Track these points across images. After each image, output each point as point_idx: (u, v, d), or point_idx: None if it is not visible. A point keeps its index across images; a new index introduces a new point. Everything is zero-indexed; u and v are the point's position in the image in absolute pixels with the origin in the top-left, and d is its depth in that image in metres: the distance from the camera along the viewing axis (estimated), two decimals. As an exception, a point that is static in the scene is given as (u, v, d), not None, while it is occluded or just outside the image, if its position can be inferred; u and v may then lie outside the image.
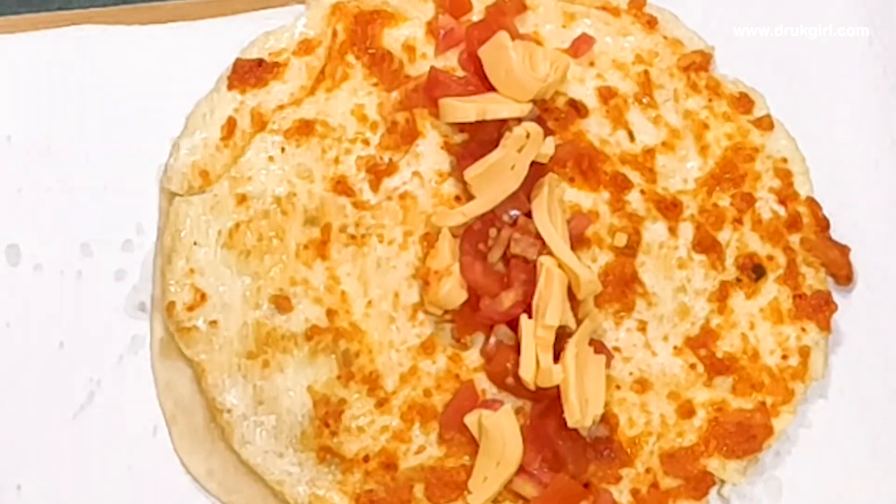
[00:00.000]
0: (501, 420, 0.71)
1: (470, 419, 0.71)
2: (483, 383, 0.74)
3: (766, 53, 0.83)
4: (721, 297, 0.77)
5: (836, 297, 0.78)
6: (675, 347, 0.76)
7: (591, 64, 0.80)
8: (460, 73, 0.78)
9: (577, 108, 0.79)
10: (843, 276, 0.79)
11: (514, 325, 0.73)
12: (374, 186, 0.76)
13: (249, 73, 0.77)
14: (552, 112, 0.78)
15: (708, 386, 0.75)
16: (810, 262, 0.78)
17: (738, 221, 0.78)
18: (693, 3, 0.83)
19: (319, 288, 0.74)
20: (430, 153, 0.77)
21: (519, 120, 0.75)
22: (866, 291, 0.80)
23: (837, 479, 0.75)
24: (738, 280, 0.77)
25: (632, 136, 0.79)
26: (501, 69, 0.76)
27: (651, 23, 0.81)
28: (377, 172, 0.76)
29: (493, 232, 0.75)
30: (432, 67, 0.78)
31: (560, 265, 0.73)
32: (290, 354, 0.73)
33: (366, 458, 0.71)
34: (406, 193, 0.76)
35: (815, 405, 0.77)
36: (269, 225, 0.75)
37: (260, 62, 0.77)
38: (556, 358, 0.71)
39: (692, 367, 0.75)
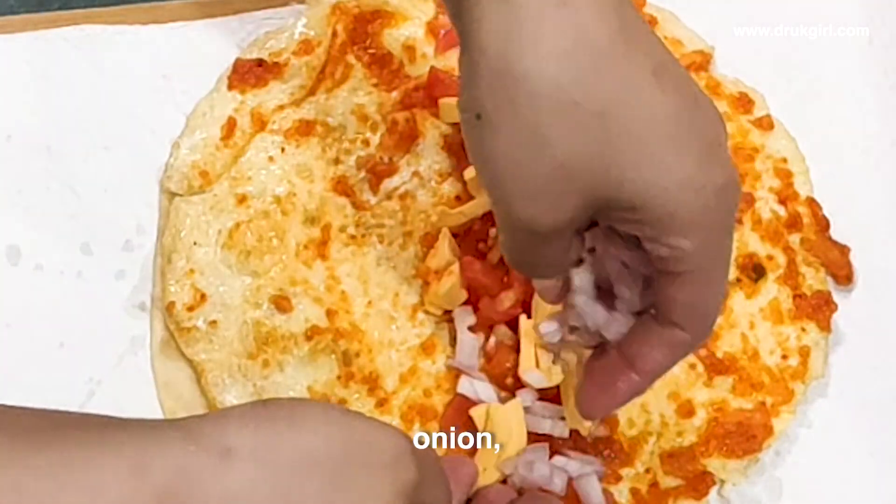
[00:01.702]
0: (509, 412, 0.70)
1: (476, 412, 0.71)
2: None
3: (766, 53, 0.83)
4: (721, 297, 0.77)
5: (836, 297, 0.78)
6: (675, 347, 0.76)
7: (592, 64, 0.80)
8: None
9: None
10: (843, 276, 0.79)
11: (514, 324, 0.73)
12: (374, 186, 0.76)
13: (249, 73, 0.77)
14: (552, 112, 0.78)
15: (708, 386, 0.75)
16: (810, 262, 0.78)
17: (738, 221, 0.78)
18: (693, 3, 0.83)
19: (319, 288, 0.74)
20: (430, 153, 0.77)
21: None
22: (866, 291, 0.79)
23: (837, 479, 0.75)
24: (738, 280, 0.77)
25: (632, 136, 0.79)
26: (501, 69, 0.76)
27: (651, 23, 0.81)
28: (377, 172, 0.76)
29: (493, 232, 0.75)
30: (432, 67, 0.78)
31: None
32: (290, 354, 0.73)
33: (366, 458, 0.71)
34: (406, 193, 0.76)
35: (815, 405, 0.77)
36: (269, 225, 0.75)
37: (260, 62, 0.78)
38: (556, 358, 0.71)
39: (692, 367, 0.75)
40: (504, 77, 0.50)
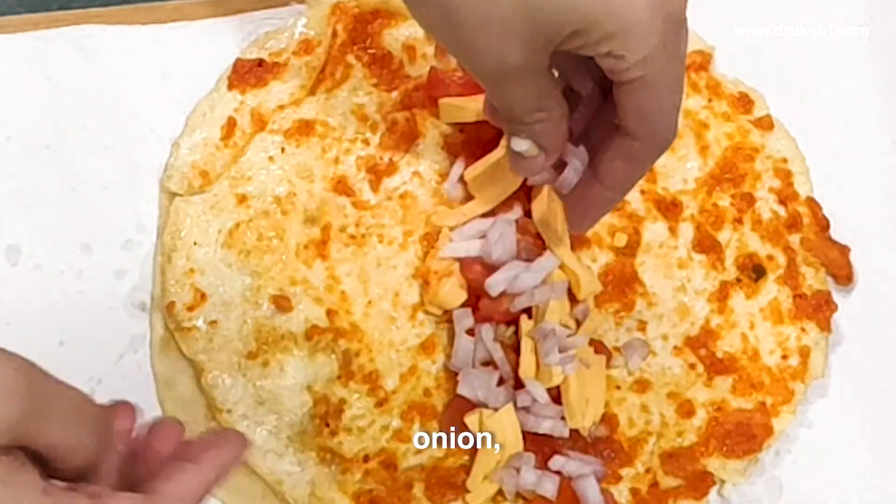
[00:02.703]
0: (502, 419, 0.71)
1: (470, 419, 0.71)
2: (483, 383, 0.74)
3: (766, 53, 0.83)
4: (721, 297, 0.77)
5: (836, 297, 0.78)
6: (674, 347, 0.76)
7: (591, 64, 0.80)
8: (460, 73, 0.78)
9: (578, 108, 0.79)
10: (843, 276, 0.79)
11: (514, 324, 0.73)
12: (374, 186, 0.76)
13: (249, 73, 0.77)
14: (552, 112, 0.78)
15: (708, 386, 0.75)
16: (810, 262, 0.78)
17: (738, 221, 0.78)
18: (693, 2, 0.82)
19: (319, 288, 0.74)
20: (430, 153, 0.77)
21: (519, 120, 0.75)
22: (866, 291, 0.79)
23: (837, 479, 0.75)
24: (738, 280, 0.77)
25: (632, 136, 0.79)
26: (501, 69, 0.76)
27: (651, 23, 0.81)
28: (377, 172, 0.76)
29: (493, 232, 0.75)
30: (432, 67, 0.78)
31: (560, 265, 0.73)
32: (290, 354, 0.73)
33: (366, 458, 0.71)
34: (406, 193, 0.76)
35: (815, 405, 0.77)
36: (269, 224, 0.75)
37: (260, 62, 0.78)
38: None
39: (692, 366, 0.75)
40: None
